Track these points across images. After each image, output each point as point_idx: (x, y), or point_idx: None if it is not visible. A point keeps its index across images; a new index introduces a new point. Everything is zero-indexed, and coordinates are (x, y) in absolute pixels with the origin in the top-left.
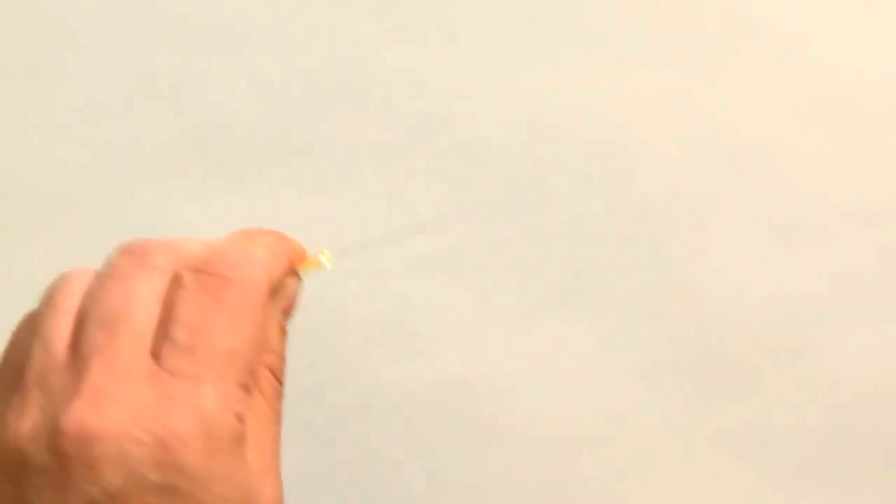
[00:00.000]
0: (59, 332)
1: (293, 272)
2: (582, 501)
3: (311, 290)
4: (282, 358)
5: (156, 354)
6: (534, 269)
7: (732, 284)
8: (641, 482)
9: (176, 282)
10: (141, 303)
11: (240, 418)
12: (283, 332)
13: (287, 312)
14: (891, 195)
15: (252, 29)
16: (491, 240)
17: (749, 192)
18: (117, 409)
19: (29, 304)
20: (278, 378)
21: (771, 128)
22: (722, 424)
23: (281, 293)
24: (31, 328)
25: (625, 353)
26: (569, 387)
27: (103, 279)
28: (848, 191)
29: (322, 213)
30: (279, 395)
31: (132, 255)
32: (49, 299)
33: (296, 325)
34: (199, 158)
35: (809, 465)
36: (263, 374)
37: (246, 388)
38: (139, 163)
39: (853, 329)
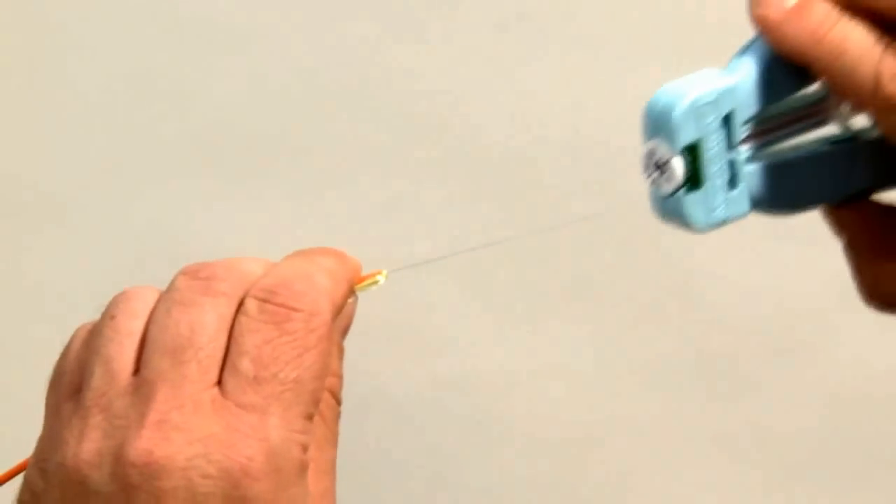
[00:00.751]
0: (123, 355)
1: (351, 292)
2: (582, 501)
3: None
4: (341, 378)
5: (221, 384)
6: (534, 269)
7: (732, 284)
8: (641, 482)
9: (241, 310)
10: (207, 331)
11: (304, 448)
12: (341, 353)
13: (345, 332)
14: (890, 194)
15: (252, 29)
16: (491, 240)
17: None
18: (185, 441)
19: (32, 303)
20: (338, 399)
21: None
22: (722, 424)
23: (340, 314)
24: (90, 346)
25: (625, 353)
26: (569, 387)
27: (168, 304)
28: None
29: (322, 213)
30: (337, 416)
31: (197, 279)
32: (111, 319)
33: None
34: (199, 158)
35: (809, 465)
36: (324, 398)
37: (310, 418)
38: (140, 163)
39: (853, 329)
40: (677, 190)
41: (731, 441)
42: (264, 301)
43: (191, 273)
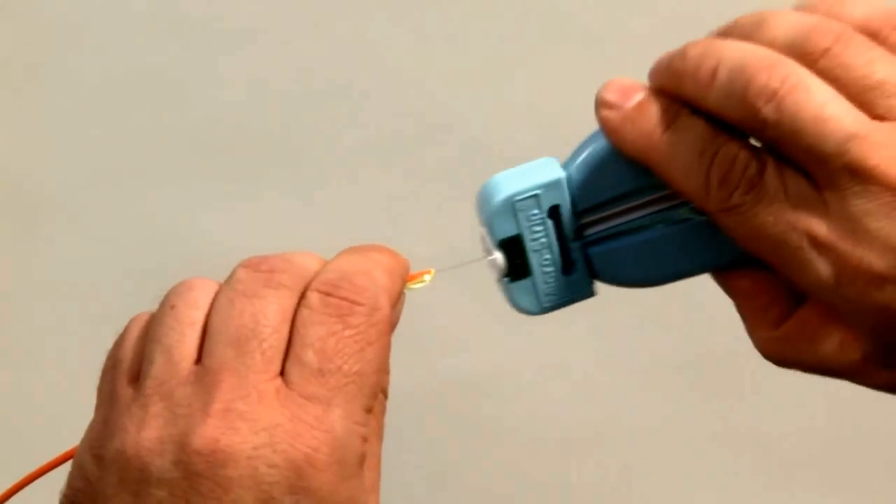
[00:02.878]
0: (185, 344)
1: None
2: (582, 501)
3: None
4: (388, 374)
5: (284, 375)
6: None
7: None
8: (641, 482)
9: (304, 303)
10: (270, 322)
11: (364, 441)
12: (389, 349)
13: (393, 329)
14: None
15: (252, 29)
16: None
17: None
18: (250, 431)
19: (36, 302)
20: (385, 395)
21: None
22: (722, 424)
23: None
24: (149, 335)
25: (625, 353)
26: (569, 387)
27: (231, 295)
28: None
29: (322, 212)
30: (385, 410)
31: (259, 272)
32: (171, 309)
33: None
34: (200, 158)
35: (809, 464)
36: None
37: (370, 411)
38: (142, 163)
39: None
40: (503, 278)
41: (730, 441)
42: (327, 294)
43: (252, 266)
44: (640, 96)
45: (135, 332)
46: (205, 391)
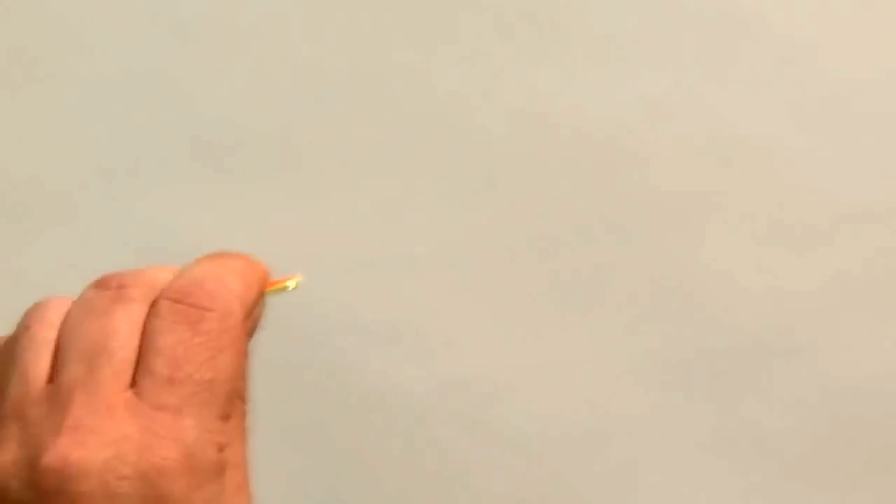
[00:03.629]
0: (38, 364)
1: (262, 295)
2: (582, 500)
3: (311, 291)
4: (247, 379)
5: (136, 386)
6: (533, 269)
7: (732, 284)
8: (641, 481)
9: (154, 312)
10: (119, 336)
11: (220, 448)
12: (248, 355)
13: (251, 335)
14: (890, 195)
15: (252, 29)
16: (491, 240)
17: (749, 192)
18: (101, 445)
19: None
20: (245, 400)
21: (771, 128)
22: (721, 424)
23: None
24: (7, 356)
25: (624, 353)
26: (569, 387)
27: (80, 313)
28: (847, 191)
29: (322, 212)
30: (245, 415)
31: (108, 288)
32: (26, 329)
33: (297, 326)
34: (200, 158)
35: (808, 464)
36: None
37: (225, 418)
38: (141, 163)
39: (853, 329)
40: None
41: (730, 440)
42: (177, 302)
43: (102, 283)
44: None
45: (0, 355)
46: (57, 409)
